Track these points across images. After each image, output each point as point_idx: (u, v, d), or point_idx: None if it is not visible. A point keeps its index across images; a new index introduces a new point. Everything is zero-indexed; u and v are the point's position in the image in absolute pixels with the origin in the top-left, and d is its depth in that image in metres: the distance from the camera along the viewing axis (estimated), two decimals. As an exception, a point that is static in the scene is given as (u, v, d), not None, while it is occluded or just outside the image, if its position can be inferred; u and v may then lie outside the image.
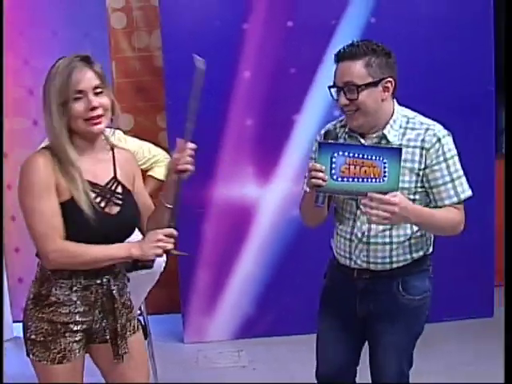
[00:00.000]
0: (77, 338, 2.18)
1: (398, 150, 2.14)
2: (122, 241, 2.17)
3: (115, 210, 2.16)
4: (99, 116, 2.07)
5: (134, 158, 2.36)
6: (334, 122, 2.50)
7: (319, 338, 2.62)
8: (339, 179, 2.14)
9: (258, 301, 4.26)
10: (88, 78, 2.06)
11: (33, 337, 2.16)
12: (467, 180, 2.36)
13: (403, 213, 2.13)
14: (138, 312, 3.63)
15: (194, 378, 3.80)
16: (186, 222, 4.13)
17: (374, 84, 2.26)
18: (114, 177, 2.20)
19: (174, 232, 2.11)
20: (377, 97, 2.29)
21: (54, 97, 2.05)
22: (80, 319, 2.17)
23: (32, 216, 2.05)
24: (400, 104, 2.41)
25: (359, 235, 2.39)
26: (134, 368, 2.29)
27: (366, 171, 2.12)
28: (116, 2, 4.40)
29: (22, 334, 2.23)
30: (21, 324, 2.24)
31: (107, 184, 2.17)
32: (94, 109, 2.06)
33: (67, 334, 2.16)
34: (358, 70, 2.25)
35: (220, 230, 4.16)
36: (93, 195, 2.10)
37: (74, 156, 2.08)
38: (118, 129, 3.85)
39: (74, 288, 2.15)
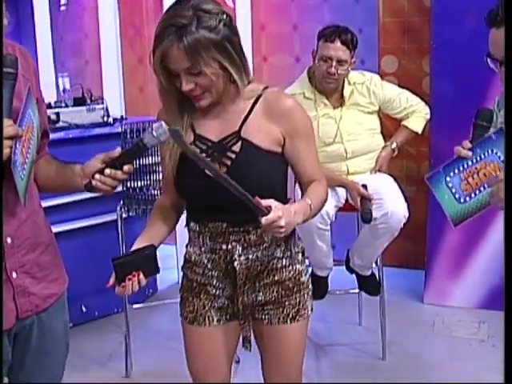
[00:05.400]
0: (216, 305, 1.98)
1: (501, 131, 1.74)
2: (231, 205, 1.76)
3: (221, 171, 1.78)
4: (199, 95, 1.77)
5: (296, 108, 1.86)
6: None
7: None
8: (467, 199, 1.82)
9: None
10: (180, 60, 1.70)
11: (180, 292, 2.08)
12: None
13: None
14: (374, 265, 3.53)
15: (426, 343, 3.60)
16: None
17: None
18: (238, 131, 1.84)
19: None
20: None
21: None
22: (218, 284, 1.96)
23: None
24: None
25: None
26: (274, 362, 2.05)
27: (485, 174, 1.79)
28: None
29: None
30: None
31: (223, 140, 1.85)
32: (190, 91, 1.76)
33: (203, 296, 1.98)
34: None
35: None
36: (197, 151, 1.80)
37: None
38: (376, 73, 3.68)
39: (203, 248, 1.93)
